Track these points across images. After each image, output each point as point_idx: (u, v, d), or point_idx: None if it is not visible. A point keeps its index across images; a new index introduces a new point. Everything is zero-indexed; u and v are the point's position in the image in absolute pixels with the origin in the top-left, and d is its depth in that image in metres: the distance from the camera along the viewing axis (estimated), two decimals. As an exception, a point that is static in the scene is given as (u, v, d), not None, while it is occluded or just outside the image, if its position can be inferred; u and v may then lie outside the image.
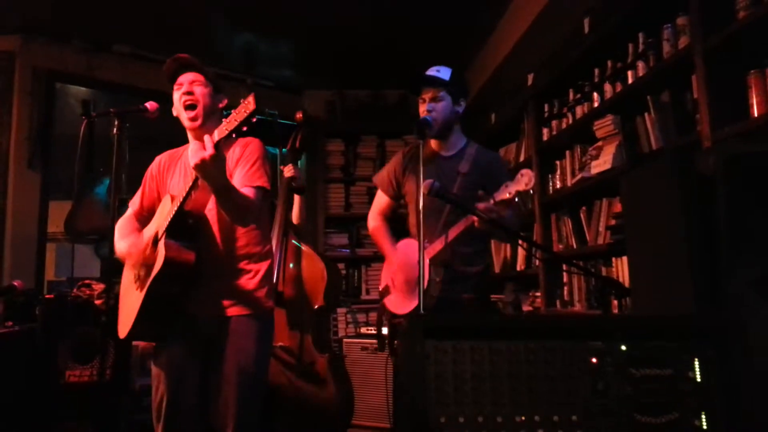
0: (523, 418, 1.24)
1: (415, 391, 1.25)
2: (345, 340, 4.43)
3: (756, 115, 2.28)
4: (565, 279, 3.76)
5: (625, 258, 3.06)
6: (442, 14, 4.57)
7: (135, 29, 4.82)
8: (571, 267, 3.45)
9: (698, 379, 1.28)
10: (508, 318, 2.62)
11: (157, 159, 2.54)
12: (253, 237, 2.33)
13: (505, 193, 2.44)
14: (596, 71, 3.45)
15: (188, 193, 2.13)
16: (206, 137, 1.94)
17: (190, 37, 4.81)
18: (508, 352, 1.28)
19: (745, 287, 1.52)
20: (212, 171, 1.95)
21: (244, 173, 2.24)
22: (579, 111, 3.64)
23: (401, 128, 5.55)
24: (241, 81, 5.52)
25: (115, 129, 2.35)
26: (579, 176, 3.54)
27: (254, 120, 1.86)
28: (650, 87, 2.95)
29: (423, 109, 2.71)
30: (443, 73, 2.74)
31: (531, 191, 2.53)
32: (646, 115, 3.01)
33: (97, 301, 3.69)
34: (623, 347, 1.29)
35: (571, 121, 3.75)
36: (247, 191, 2.18)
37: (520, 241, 4.07)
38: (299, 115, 3.72)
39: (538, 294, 4.06)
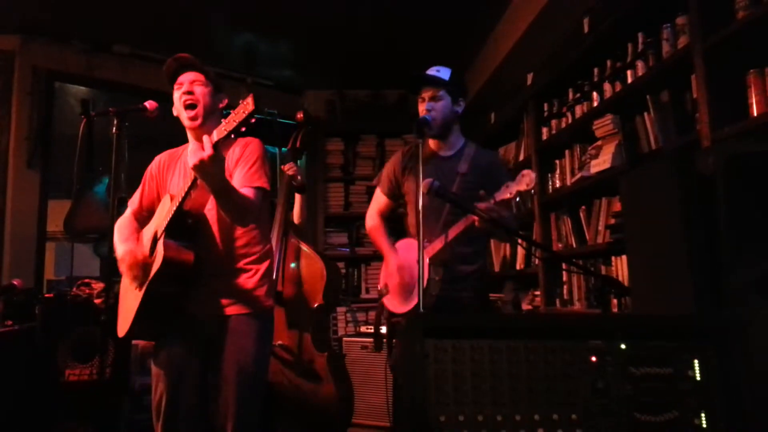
0: (523, 417, 1.24)
1: (414, 390, 1.25)
2: (345, 339, 4.44)
3: (755, 114, 2.28)
4: (564, 278, 3.76)
5: (624, 257, 3.06)
6: (442, 14, 4.57)
7: (135, 29, 4.82)
8: (571, 266, 3.46)
9: (698, 378, 1.28)
10: (507, 317, 2.62)
11: (157, 158, 2.54)
12: (253, 236, 2.33)
13: (506, 193, 2.46)
14: (596, 71, 3.45)
15: (187, 193, 2.13)
16: (205, 137, 1.94)
17: (190, 37, 4.81)
18: (508, 351, 1.28)
19: (745, 287, 1.52)
20: (211, 171, 1.95)
21: (243, 173, 2.24)
22: (578, 110, 3.64)
23: (401, 128, 5.55)
24: (241, 81, 5.52)
25: (114, 128, 2.35)
26: (578, 175, 3.54)
27: (253, 120, 1.86)
28: (650, 87, 2.95)
29: (422, 109, 2.72)
30: (443, 72, 2.75)
31: (532, 191, 2.54)
32: (645, 114, 3.01)
33: (97, 300, 3.69)
34: (623, 346, 1.29)
35: (570, 121, 3.75)
36: (247, 191, 2.18)
37: (519, 240, 4.07)
38: (300, 115, 3.72)
39: (538, 293, 4.06)
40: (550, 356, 1.28)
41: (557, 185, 3.95)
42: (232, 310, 2.25)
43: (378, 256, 2.94)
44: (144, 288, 2.17)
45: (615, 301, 3.08)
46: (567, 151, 3.83)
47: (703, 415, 1.25)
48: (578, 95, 3.66)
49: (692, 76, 2.59)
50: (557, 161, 3.95)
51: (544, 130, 4.12)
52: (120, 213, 2.47)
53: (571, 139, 3.75)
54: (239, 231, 2.29)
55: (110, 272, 2.53)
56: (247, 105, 1.83)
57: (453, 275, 2.64)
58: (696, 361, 1.28)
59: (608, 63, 3.33)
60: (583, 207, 3.63)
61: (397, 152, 2.97)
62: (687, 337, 1.30)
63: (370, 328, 4.39)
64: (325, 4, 4.42)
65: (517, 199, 2.44)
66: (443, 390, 1.25)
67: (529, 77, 4.34)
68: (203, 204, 2.26)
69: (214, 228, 2.28)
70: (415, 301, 2.51)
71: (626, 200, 2.17)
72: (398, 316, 2.71)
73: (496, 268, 4.93)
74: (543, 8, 3.96)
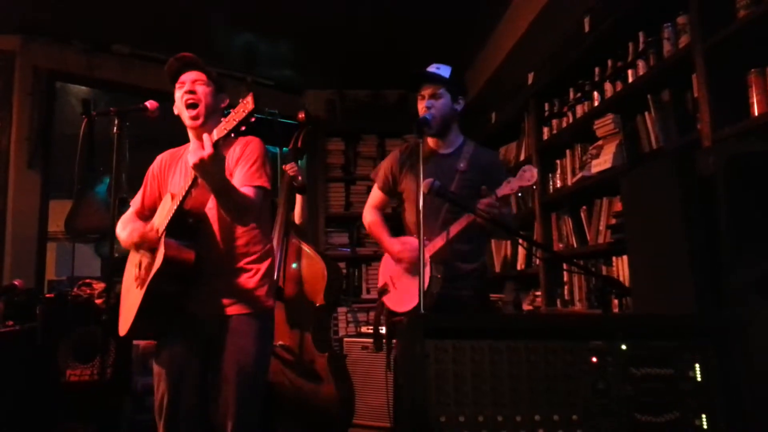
0: (524, 417, 1.24)
1: (415, 390, 1.25)
2: (345, 339, 4.43)
3: (756, 114, 2.28)
4: (565, 278, 3.76)
5: (625, 257, 3.06)
6: (442, 14, 4.57)
7: (135, 29, 4.83)
8: (572, 266, 3.45)
9: (699, 379, 1.27)
10: (508, 317, 2.62)
11: (159, 158, 2.54)
12: (254, 236, 2.33)
13: (508, 189, 2.46)
14: (596, 70, 3.45)
15: (188, 192, 2.13)
16: (205, 136, 1.94)
17: (190, 37, 4.81)
18: (509, 352, 1.28)
19: (745, 287, 1.52)
20: (211, 170, 1.95)
21: (244, 173, 2.24)
22: (579, 110, 3.64)
23: (401, 127, 5.55)
24: (241, 80, 5.52)
25: (115, 128, 2.35)
26: (579, 175, 3.53)
27: (253, 120, 1.86)
28: (650, 86, 2.95)
29: (422, 106, 2.72)
30: (443, 70, 2.75)
31: (534, 187, 2.55)
32: (646, 114, 3.01)
33: (98, 300, 3.70)
34: (624, 347, 1.29)
35: (571, 120, 3.75)
36: (247, 191, 2.19)
37: (520, 240, 4.07)
38: (301, 115, 3.73)
39: (539, 293, 4.06)
40: (550, 357, 1.28)
41: (558, 185, 3.95)
42: (232, 310, 2.25)
43: (379, 256, 2.94)
44: (145, 287, 2.18)
45: (616, 301, 3.08)
46: (568, 151, 3.83)
47: (703, 415, 1.25)
48: (579, 95, 3.66)
49: (693, 75, 2.59)
50: (558, 161, 3.95)
51: (545, 129, 4.12)
52: (121, 213, 2.47)
53: (572, 138, 3.75)
54: (240, 230, 2.29)
55: (111, 272, 2.54)
56: (247, 104, 1.83)
57: (453, 273, 2.64)
58: (696, 362, 1.28)
59: (609, 62, 3.33)
60: (584, 207, 3.62)
61: (395, 149, 2.98)
62: (688, 337, 1.30)
63: (371, 329, 4.39)
64: (325, 4, 4.42)
65: (519, 194, 2.45)
66: (444, 390, 1.25)
67: (530, 77, 4.34)
68: (204, 203, 2.26)
69: (215, 227, 2.28)
70: (416, 300, 2.52)
71: (627, 200, 2.17)
72: (399, 315, 2.71)
73: (497, 269, 4.93)
74: (543, 8, 3.96)
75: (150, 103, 2.41)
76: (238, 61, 5.40)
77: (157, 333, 2.36)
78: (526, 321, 1.62)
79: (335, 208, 5.81)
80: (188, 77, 2.33)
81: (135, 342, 3.89)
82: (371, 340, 4.09)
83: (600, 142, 3.33)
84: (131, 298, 2.28)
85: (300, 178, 3.57)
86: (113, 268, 2.49)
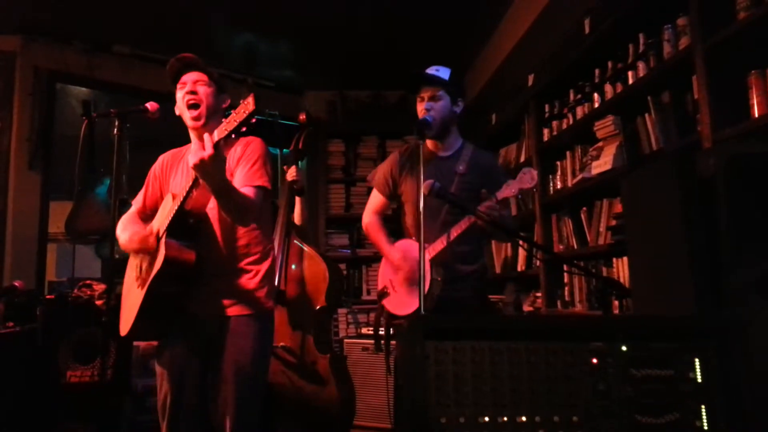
0: (524, 418, 1.24)
1: (415, 391, 1.25)
2: (346, 340, 4.43)
3: (756, 115, 2.28)
4: (565, 279, 3.76)
5: (625, 258, 3.05)
6: (443, 14, 4.58)
7: (135, 29, 4.83)
8: (572, 267, 3.45)
9: (699, 380, 1.27)
10: (508, 318, 2.62)
11: (161, 158, 2.54)
12: (254, 237, 2.33)
13: (508, 192, 2.46)
14: (597, 72, 3.44)
15: (188, 193, 2.13)
16: (206, 137, 1.94)
17: (190, 37, 4.82)
18: (509, 353, 1.28)
19: (745, 287, 1.52)
20: (211, 171, 1.96)
21: (245, 173, 2.24)
22: (579, 111, 3.64)
23: (402, 128, 5.55)
24: (241, 81, 5.53)
25: (115, 129, 2.35)
26: (579, 177, 3.53)
27: (253, 121, 1.86)
28: (651, 87, 2.95)
29: (421, 108, 2.72)
30: (442, 72, 2.75)
31: (534, 190, 2.55)
32: (646, 115, 3.00)
33: (98, 302, 3.70)
34: (624, 348, 1.29)
35: (571, 122, 3.75)
36: (248, 191, 2.19)
37: (520, 242, 4.07)
38: (302, 117, 3.72)
39: (539, 294, 4.06)
40: (551, 358, 1.28)
41: (558, 186, 3.95)
42: (233, 311, 2.25)
43: (379, 258, 2.94)
44: (145, 287, 2.18)
45: (616, 302, 3.07)
46: (568, 153, 3.83)
47: (704, 416, 1.25)
48: (579, 96, 3.66)
49: (693, 77, 2.59)
50: (558, 162, 3.95)
51: (545, 131, 4.12)
52: (121, 214, 2.47)
53: (572, 140, 3.75)
54: (241, 231, 2.29)
55: (112, 274, 2.54)
56: (248, 105, 1.83)
57: (453, 275, 2.64)
58: (697, 363, 1.28)
59: (609, 64, 3.33)
60: (584, 208, 3.62)
61: (395, 152, 2.97)
62: (688, 338, 1.30)
63: (371, 330, 4.39)
64: (325, 4, 4.42)
65: (519, 196, 2.45)
66: (444, 391, 1.25)
67: (530, 78, 4.34)
68: (205, 203, 2.26)
69: (216, 227, 2.28)
70: (416, 302, 2.52)
71: (627, 201, 2.17)
72: (398, 318, 2.71)
73: (498, 270, 4.93)
74: (544, 9, 3.96)
75: (150, 105, 2.41)
76: (239, 62, 5.41)
77: (158, 333, 2.37)
78: (526, 322, 1.62)
79: (336, 210, 5.81)
80: (190, 78, 2.33)
81: (135, 343, 3.89)
82: (372, 341, 4.10)
83: (600, 144, 3.33)
84: (132, 298, 2.29)
85: (299, 180, 3.57)
86: (114, 269, 2.49)
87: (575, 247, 3.67)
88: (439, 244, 2.60)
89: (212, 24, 4.74)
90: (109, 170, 2.52)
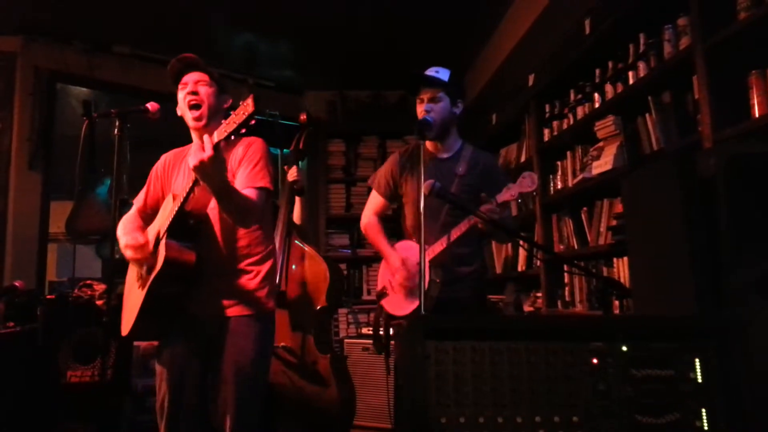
0: (524, 419, 1.24)
1: (415, 391, 1.25)
2: (346, 340, 4.44)
3: (757, 115, 2.28)
4: (566, 279, 3.76)
5: (626, 258, 3.05)
6: (443, 14, 4.58)
7: (135, 29, 4.83)
8: (573, 267, 3.45)
9: (699, 380, 1.27)
10: (509, 319, 2.62)
11: (163, 157, 2.54)
12: (256, 237, 2.33)
13: (508, 195, 2.46)
14: (597, 72, 3.44)
15: (189, 193, 2.13)
16: (206, 138, 1.94)
17: (190, 37, 4.82)
18: (509, 353, 1.28)
19: (745, 287, 1.52)
20: (211, 173, 1.95)
21: (246, 174, 2.24)
22: (580, 111, 3.64)
23: (402, 129, 5.56)
24: (241, 81, 5.53)
25: (116, 129, 2.35)
26: (580, 177, 3.53)
27: (253, 122, 1.86)
28: (651, 88, 2.95)
29: (421, 110, 2.72)
30: (442, 73, 2.75)
31: (534, 194, 2.56)
32: (647, 115, 3.00)
33: (99, 302, 3.70)
34: (624, 348, 1.29)
35: (572, 122, 3.75)
36: (249, 192, 2.18)
37: (521, 242, 4.07)
38: (303, 117, 3.72)
39: (540, 294, 4.06)
40: (551, 358, 1.28)
41: (559, 186, 3.94)
42: (233, 311, 2.25)
43: (379, 258, 2.94)
44: (146, 287, 2.18)
45: (616, 302, 3.07)
46: (568, 153, 3.83)
47: (704, 416, 1.25)
48: (580, 96, 3.66)
49: (694, 77, 2.59)
50: (559, 162, 3.95)
51: (546, 131, 4.12)
52: (122, 215, 2.47)
53: (573, 140, 3.75)
54: (242, 231, 2.29)
55: (112, 274, 2.54)
56: (247, 106, 1.83)
57: (452, 276, 2.64)
58: (697, 363, 1.28)
59: (610, 64, 3.33)
60: (585, 208, 3.62)
61: (394, 153, 2.97)
62: (688, 338, 1.30)
63: (372, 330, 4.39)
64: (325, 4, 4.42)
65: (519, 200, 2.45)
66: (444, 391, 1.25)
67: (531, 78, 4.34)
68: (206, 204, 2.26)
69: (217, 228, 2.28)
70: (415, 303, 2.52)
71: (628, 201, 2.17)
72: (398, 319, 2.71)
73: (499, 270, 4.93)
74: (544, 9, 3.96)
75: (151, 105, 2.41)
76: (239, 62, 5.41)
77: (158, 333, 2.37)
78: (526, 322, 1.62)
79: (336, 210, 5.81)
80: (191, 78, 2.33)
81: (135, 343, 3.89)
82: (372, 341, 4.10)
83: (600, 144, 3.33)
84: (133, 298, 2.29)
85: (300, 181, 3.57)
86: (114, 269, 2.49)
87: (576, 247, 3.67)
88: (439, 246, 2.60)
89: (212, 24, 4.74)
90: (109, 170, 2.52)
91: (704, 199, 1.62)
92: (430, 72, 2.75)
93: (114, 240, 2.33)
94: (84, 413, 3.44)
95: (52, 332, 3.55)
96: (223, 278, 2.26)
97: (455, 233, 2.56)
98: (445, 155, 2.81)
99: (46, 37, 4.75)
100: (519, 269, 4.56)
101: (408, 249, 2.76)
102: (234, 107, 1.95)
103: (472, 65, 5.57)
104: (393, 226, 2.97)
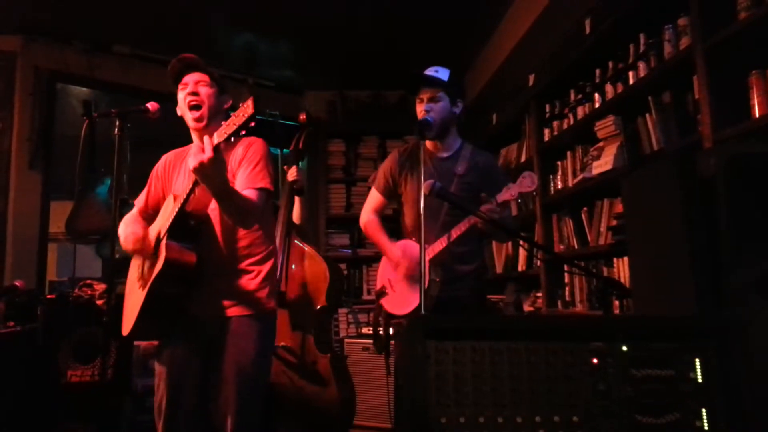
0: (524, 418, 1.24)
1: (415, 391, 1.25)
2: (346, 340, 4.44)
3: (757, 115, 2.28)
4: (566, 279, 3.76)
5: (626, 258, 3.05)
6: (443, 14, 4.58)
7: (135, 29, 4.83)
8: (573, 267, 3.45)
9: (699, 380, 1.27)
10: (509, 318, 2.62)
11: (164, 158, 2.54)
12: (256, 237, 2.33)
13: (507, 195, 2.47)
14: (597, 72, 3.44)
15: (189, 194, 2.13)
16: (206, 139, 1.93)
17: (190, 37, 4.82)
18: (509, 353, 1.28)
19: (745, 287, 1.52)
20: (211, 174, 1.95)
21: (247, 174, 2.24)
22: (580, 111, 3.64)
23: (402, 128, 5.56)
24: (242, 82, 5.53)
25: (116, 129, 2.35)
26: (580, 177, 3.53)
27: (252, 124, 1.86)
28: (651, 88, 2.95)
29: (420, 109, 2.72)
30: (441, 73, 2.75)
31: (534, 193, 2.56)
32: (647, 115, 3.00)
33: (99, 302, 3.70)
34: (624, 348, 1.29)
35: (572, 122, 3.75)
36: (250, 193, 2.18)
37: (521, 242, 4.07)
38: (303, 117, 3.72)
39: (540, 294, 4.06)
40: (551, 358, 1.28)
41: (559, 186, 3.95)
42: (233, 311, 2.25)
43: (380, 258, 2.94)
44: (147, 288, 2.18)
45: (617, 302, 3.07)
46: (569, 153, 3.83)
47: (704, 416, 1.25)
48: (580, 96, 3.66)
49: (694, 77, 2.59)
50: (559, 162, 3.95)
51: (546, 131, 4.12)
52: (122, 215, 2.47)
53: (573, 140, 3.75)
54: (242, 231, 2.29)
55: (112, 273, 2.53)
56: (247, 108, 1.83)
57: (451, 275, 2.64)
58: (697, 363, 1.28)
59: (610, 64, 3.33)
60: (585, 208, 3.62)
61: (394, 151, 2.97)
62: (688, 338, 1.30)
63: (371, 330, 4.39)
64: (325, 4, 4.42)
65: (519, 200, 2.45)
66: (444, 391, 1.25)
67: (531, 78, 4.34)
68: (206, 204, 2.26)
69: (217, 228, 2.28)
70: (415, 303, 2.52)
71: (628, 201, 2.17)
72: (398, 318, 2.71)
73: (499, 270, 4.93)
74: (544, 9, 3.96)
75: (151, 105, 2.41)
76: (239, 62, 5.41)
77: (159, 333, 2.37)
78: (526, 322, 1.62)
79: (336, 210, 5.81)
80: (191, 78, 2.33)
81: (136, 343, 3.89)
82: (372, 341, 4.10)
83: (601, 144, 3.33)
84: (134, 298, 2.29)
85: (300, 181, 3.57)
86: (114, 269, 2.49)
87: (576, 247, 3.67)
88: (439, 245, 2.61)
89: (212, 24, 4.74)
90: (109, 170, 2.52)
91: (704, 199, 1.62)
92: (430, 72, 2.75)
93: (114, 240, 2.33)
94: (84, 413, 3.44)
95: (52, 332, 3.55)
96: (224, 278, 2.26)
97: (455, 233, 2.56)
98: (444, 155, 2.81)
99: (46, 37, 4.75)
100: (519, 269, 4.56)
101: (408, 245, 2.76)
102: (234, 108, 1.94)
103: (472, 65, 5.57)
104: (393, 226, 2.97)
